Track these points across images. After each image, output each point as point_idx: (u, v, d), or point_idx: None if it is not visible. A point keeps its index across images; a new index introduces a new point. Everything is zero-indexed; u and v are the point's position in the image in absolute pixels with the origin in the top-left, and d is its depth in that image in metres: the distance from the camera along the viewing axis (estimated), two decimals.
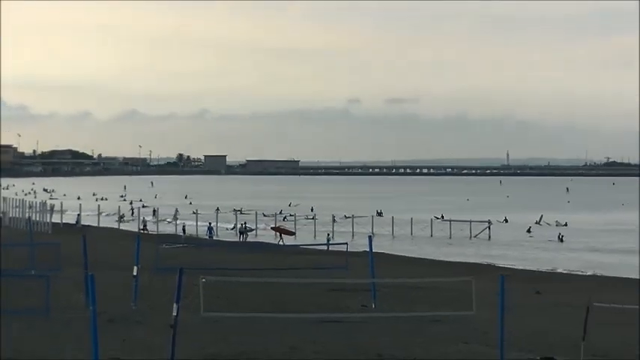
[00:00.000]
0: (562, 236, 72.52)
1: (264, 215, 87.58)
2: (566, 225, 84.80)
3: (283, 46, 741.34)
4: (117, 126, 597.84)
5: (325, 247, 52.73)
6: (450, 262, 52.60)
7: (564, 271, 49.68)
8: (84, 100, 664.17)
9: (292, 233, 72.51)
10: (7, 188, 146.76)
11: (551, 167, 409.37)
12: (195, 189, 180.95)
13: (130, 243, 34.99)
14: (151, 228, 74.97)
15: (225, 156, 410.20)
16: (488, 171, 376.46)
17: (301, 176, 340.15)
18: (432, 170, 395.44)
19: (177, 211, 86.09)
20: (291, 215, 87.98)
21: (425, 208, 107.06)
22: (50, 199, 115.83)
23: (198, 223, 75.27)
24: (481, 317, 18.35)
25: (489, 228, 74.85)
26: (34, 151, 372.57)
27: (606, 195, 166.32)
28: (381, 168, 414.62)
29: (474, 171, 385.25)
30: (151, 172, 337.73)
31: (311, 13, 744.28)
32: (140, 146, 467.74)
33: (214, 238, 68.40)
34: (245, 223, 75.21)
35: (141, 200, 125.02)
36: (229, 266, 33.46)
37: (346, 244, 33.97)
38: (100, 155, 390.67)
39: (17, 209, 75.11)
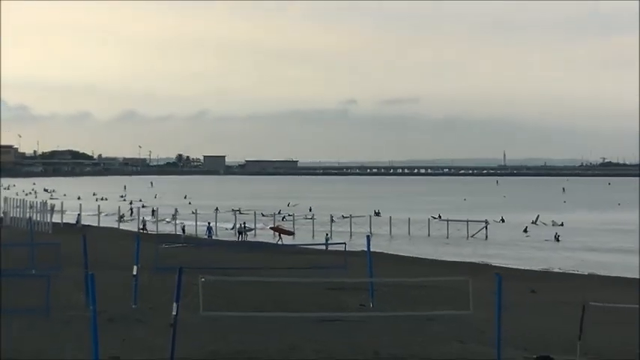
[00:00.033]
0: (558, 236, 72.68)
1: (263, 215, 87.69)
2: (562, 225, 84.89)
3: (283, 47, 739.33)
4: (117, 126, 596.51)
5: (324, 247, 52.92)
6: (447, 261, 52.84)
7: (560, 271, 49.86)
8: (84, 100, 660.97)
9: (291, 233, 72.58)
10: (8, 188, 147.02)
11: (548, 167, 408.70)
12: (194, 189, 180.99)
13: (129, 243, 35.13)
14: (151, 228, 75.10)
15: (224, 156, 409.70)
16: (485, 171, 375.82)
17: (300, 176, 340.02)
18: (429, 170, 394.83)
19: (176, 211, 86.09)
20: (289, 215, 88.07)
21: (422, 208, 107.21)
22: (50, 199, 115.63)
23: (198, 223, 75.27)
24: (478, 316, 18.43)
25: (486, 228, 75.02)
26: (35, 152, 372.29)
27: (602, 195, 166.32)
28: (379, 168, 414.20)
29: (470, 171, 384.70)
30: (150, 173, 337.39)
31: (311, 14, 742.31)
32: (140, 146, 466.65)
33: (213, 237, 68.50)
34: (244, 222, 75.40)
35: (140, 200, 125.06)
36: (228, 266, 33.63)
37: (344, 243, 33.98)
38: (100, 155, 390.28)
39: (18, 209, 75.21)
